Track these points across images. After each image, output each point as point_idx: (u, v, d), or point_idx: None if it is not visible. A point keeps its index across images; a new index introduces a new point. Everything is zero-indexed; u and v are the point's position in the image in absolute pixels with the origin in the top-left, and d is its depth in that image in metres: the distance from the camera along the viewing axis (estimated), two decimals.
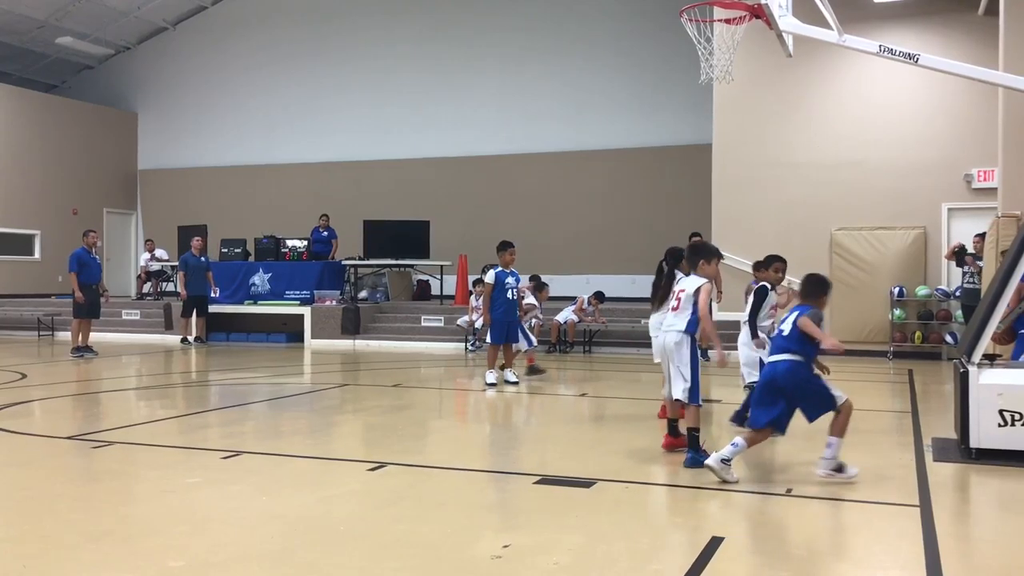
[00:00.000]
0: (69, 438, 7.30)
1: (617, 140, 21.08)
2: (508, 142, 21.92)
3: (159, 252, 21.53)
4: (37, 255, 22.82)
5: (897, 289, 14.89)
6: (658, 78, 20.77)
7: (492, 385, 10.61)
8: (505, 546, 4.40)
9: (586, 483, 5.75)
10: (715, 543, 4.45)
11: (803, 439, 6.73)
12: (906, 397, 10.48)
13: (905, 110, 15.31)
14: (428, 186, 22.08)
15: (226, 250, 18.90)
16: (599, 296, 16.18)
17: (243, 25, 24.30)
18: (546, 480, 5.80)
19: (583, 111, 21.48)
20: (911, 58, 9.04)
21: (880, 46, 9.25)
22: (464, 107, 22.37)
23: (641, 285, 19.32)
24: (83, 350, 14.82)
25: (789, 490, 5.65)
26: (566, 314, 15.75)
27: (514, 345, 11.05)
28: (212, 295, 17.35)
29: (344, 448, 7.50)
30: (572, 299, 16.42)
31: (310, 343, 17.13)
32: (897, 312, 14.92)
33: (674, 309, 6.59)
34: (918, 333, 14.92)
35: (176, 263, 21.36)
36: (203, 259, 17.35)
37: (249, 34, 24.23)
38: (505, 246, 10.76)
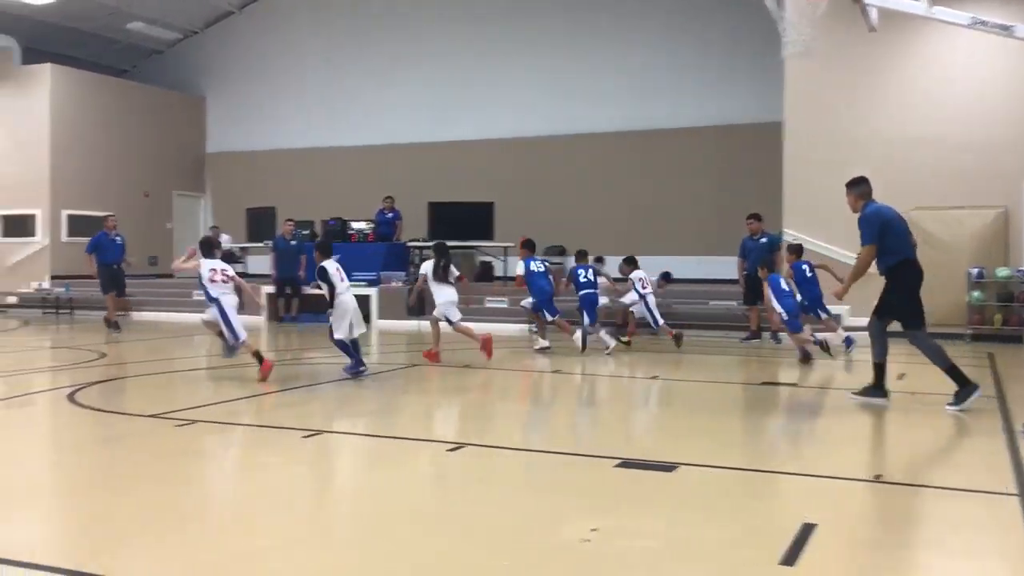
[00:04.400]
0: (152, 416, 7.44)
1: (682, 118, 20.77)
2: (571, 122, 21.76)
3: (224, 236, 21.85)
4: None
5: (976, 270, 14.44)
6: (725, 53, 20.39)
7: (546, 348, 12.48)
8: (593, 530, 4.36)
9: (668, 467, 5.67)
10: (807, 530, 4.35)
11: (895, 427, 6.57)
12: (990, 382, 10.16)
13: (987, 86, 14.79)
14: (492, 167, 22.04)
15: (305, 232, 19.13)
16: (666, 277, 15.99)
17: (307, 7, 24.47)
18: (627, 463, 5.74)
19: (647, 89, 21.20)
20: (1005, 29, 8.69)
21: (972, 17, 8.91)
22: (527, 87, 22.26)
23: (708, 266, 19.12)
24: (111, 325, 16.05)
25: (878, 476, 5.51)
26: (631, 296, 15.59)
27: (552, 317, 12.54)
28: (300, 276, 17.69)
29: (421, 428, 7.52)
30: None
31: (376, 324, 17.25)
32: (976, 294, 14.48)
33: None
34: (997, 316, 14.47)
35: (244, 245, 21.75)
36: (293, 242, 17.73)
37: (313, 16, 24.39)
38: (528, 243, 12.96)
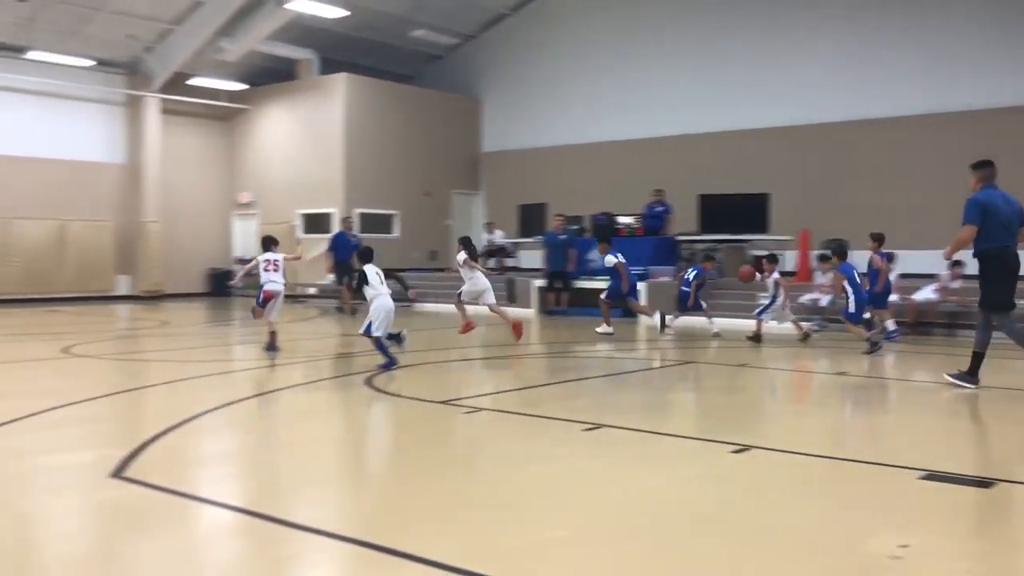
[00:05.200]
0: (442, 403, 7.82)
1: (984, 99, 18.87)
2: (851, 108, 20.47)
3: (497, 232, 22.67)
4: (396, 233, 24.99)
5: None
6: None
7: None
8: (902, 546, 4.03)
9: (984, 483, 5.15)
10: None
11: None
12: None
13: None
14: (766, 158, 21.24)
15: (576, 227, 19.50)
16: (958, 265, 14.71)
17: (578, 7, 24.82)
18: (934, 476, 5.27)
19: (940, 68, 19.47)
20: None
21: None
22: (801, 73, 21.22)
23: None
24: (341, 309, 18.54)
25: None
26: (925, 293, 14.44)
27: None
28: (569, 270, 18.05)
29: (703, 428, 7.36)
30: (930, 277, 15.03)
31: (645, 319, 17.18)
32: None
33: None
34: None
35: (516, 240, 22.46)
36: (563, 236, 18.19)
37: (584, 15, 24.70)
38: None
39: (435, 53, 27.50)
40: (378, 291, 10.01)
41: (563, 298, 18.27)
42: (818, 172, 20.69)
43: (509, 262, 22.60)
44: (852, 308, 11.80)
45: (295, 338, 13.41)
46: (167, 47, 23.15)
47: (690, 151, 22.46)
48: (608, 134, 24.14)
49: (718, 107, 22.31)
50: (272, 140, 25.61)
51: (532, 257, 20.48)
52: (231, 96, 25.52)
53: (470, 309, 13.38)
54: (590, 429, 6.66)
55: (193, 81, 24.27)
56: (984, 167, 8.49)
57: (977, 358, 8.37)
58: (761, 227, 17.93)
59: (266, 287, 11.37)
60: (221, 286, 25.49)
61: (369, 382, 9.02)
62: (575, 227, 19.21)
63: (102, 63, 23.15)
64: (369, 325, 9.90)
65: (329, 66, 25.06)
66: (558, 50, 25.21)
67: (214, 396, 8.59)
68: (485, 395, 8.45)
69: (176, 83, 23.90)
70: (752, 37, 21.96)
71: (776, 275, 13.30)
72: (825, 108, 20.80)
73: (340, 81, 24.06)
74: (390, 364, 9.94)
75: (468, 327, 13.20)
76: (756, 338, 13.00)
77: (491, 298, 13.06)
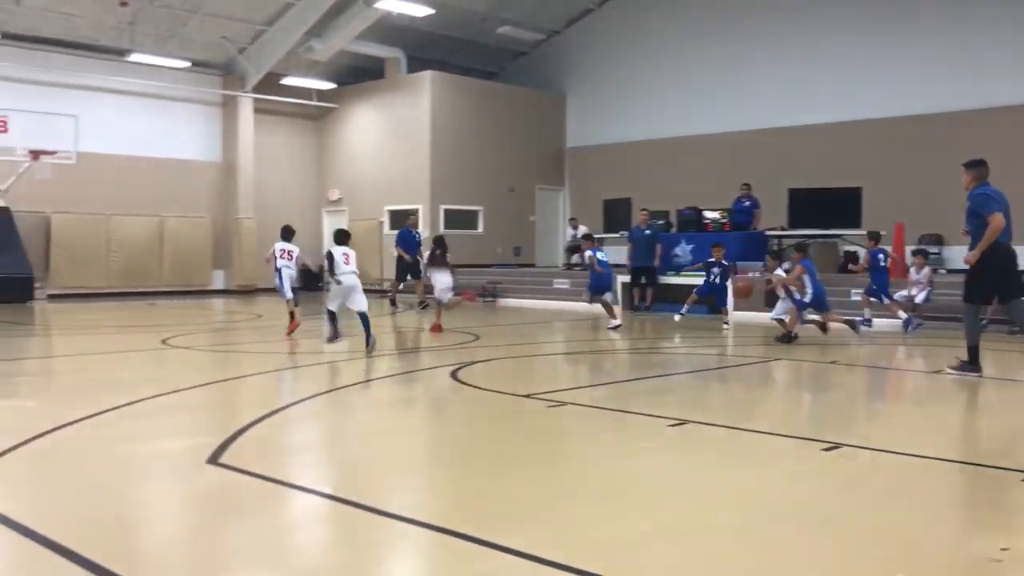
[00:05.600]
0: (527, 396, 7.86)
1: None
2: (948, 99, 19.75)
3: (581, 228, 22.62)
4: (480, 229, 25.16)
5: None
6: None
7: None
8: (1004, 549, 3.89)
9: None
10: None
11: None
12: None
13: None
14: (858, 150, 20.67)
15: (661, 222, 19.33)
16: (920, 254, 14.80)
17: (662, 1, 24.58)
18: None
19: None
20: None
21: None
22: (896, 63, 20.57)
23: None
24: (393, 303, 18.98)
25: None
26: (903, 292, 14.46)
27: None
28: (655, 265, 17.91)
29: (793, 425, 7.22)
30: None
31: (732, 315, 16.92)
32: None
33: None
34: None
35: (600, 236, 22.37)
36: (647, 231, 18.07)
37: (670, 8, 24.43)
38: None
39: (520, 50, 27.56)
40: (340, 271, 11.03)
41: (648, 294, 18.14)
42: (913, 165, 20.03)
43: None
44: (807, 300, 12.46)
45: (380, 332, 13.63)
46: (260, 48, 23.77)
47: (779, 144, 22.01)
48: (694, 128, 23.83)
49: (808, 99, 21.81)
50: (360, 138, 26.06)
51: (617, 252, 20.33)
52: (320, 95, 26.05)
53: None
54: (676, 425, 6.60)
55: (284, 81, 24.85)
56: (979, 166, 8.97)
57: (973, 350, 8.93)
58: (854, 221, 17.44)
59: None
60: (313, 281, 26.08)
61: (454, 375, 9.12)
62: (660, 222, 19.02)
63: (198, 64, 23.90)
64: (328, 301, 11.39)
65: (416, 64, 25.37)
66: (643, 44, 24.99)
67: (304, 387, 8.80)
68: (568, 390, 8.45)
69: (268, 83, 24.51)
70: (844, 28, 21.39)
71: (779, 271, 13.40)
72: (920, 99, 20.14)
73: (426, 79, 24.32)
74: (334, 338, 11.28)
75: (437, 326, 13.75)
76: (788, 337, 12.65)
77: (444, 296, 13.78)
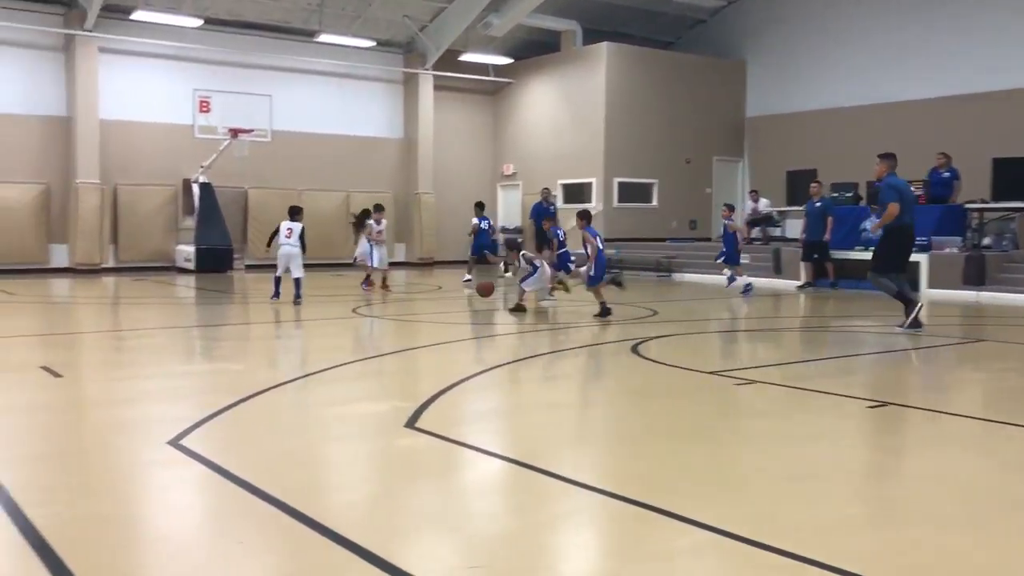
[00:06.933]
0: (711, 373, 7.70)
1: None
2: None
3: (762, 201, 21.90)
4: (655, 202, 24.82)
5: None
6: None
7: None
8: None
9: None
10: None
11: None
12: None
13: None
14: None
15: (836, 194, 18.46)
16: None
17: None
18: None
19: None
20: None
21: None
22: None
23: None
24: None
25: None
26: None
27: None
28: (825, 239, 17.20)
29: (1004, 410, 6.73)
30: None
31: (926, 292, 15.98)
32: None
33: None
34: None
35: (782, 209, 21.63)
36: (818, 203, 17.37)
37: None
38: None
39: (698, 17, 26.85)
40: (281, 242, 13.45)
41: (828, 269, 17.37)
42: None
43: (774, 231, 21.80)
44: (593, 271, 11.90)
45: (558, 305, 13.71)
46: (439, 26, 24.26)
47: (981, 111, 20.46)
48: (885, 95, 22.50)
49: (1014, 60, 20.14)
50: (534, 112, 26.19)
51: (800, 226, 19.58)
52: (497, 70, 26.34)
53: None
54: (876, 407, 6.29)
55: (463, 57, 25.28)
56: (890, 158, 10.76)
57: (909, 304, 10.48)
58: None
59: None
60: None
61: (635, 349, 9.05)
62: (848, 194, 18.15)
63: (382, 44, 24.65)
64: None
65: (591, 36, 25.20)
66: (828, 7, 23.77)
67: (488, 356, 8.99)
68: (752, 367, 8.22)
69: (446, 60, 25.00)
70: None
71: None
72: None
73: (602, 50, 24.11)
74: (274, 296, 13.61)
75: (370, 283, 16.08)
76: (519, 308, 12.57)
77: (370, 263, 16.04)
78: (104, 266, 20.89)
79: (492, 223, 19.63)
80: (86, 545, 3.56)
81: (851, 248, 17.20)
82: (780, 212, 21.67)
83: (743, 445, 5.43)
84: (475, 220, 19.16)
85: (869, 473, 4.74)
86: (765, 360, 9.08)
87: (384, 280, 16.40)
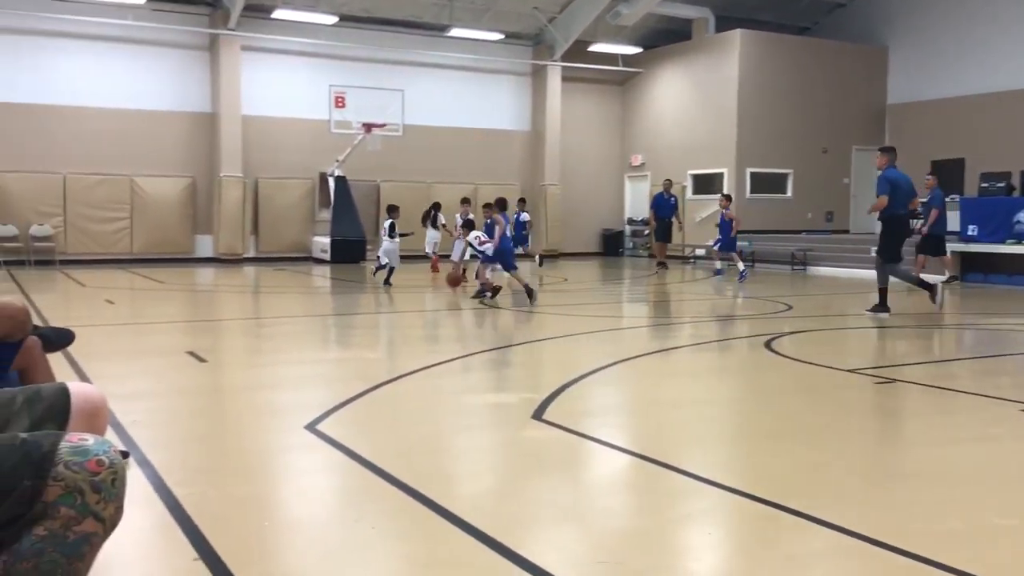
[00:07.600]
0: (850, 371, 7.40)
1: None
2: None
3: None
4: (789, 193, 24.08)
5: None
6: None
7: None
8: None
9: None
10: None
11: None
12: None
13: None
14: None
15: (986, 184, 17.44)
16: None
17: None
18: None
19: None
20: None
21: None
22: None
23: None
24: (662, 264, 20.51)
25: None
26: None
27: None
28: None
29: None
30: None
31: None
32: None
33: None
34: None
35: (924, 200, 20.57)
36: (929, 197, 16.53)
37: None
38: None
39: (837, 2, 25.87)
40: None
41: (945, 262, 16.35)
42: None
43: (915, 224, 20.74)
44: (491, 254, 13.15)
45: (684, 299, 13.49)
46: (568, 17, 24.20)
47: None
48: None
49: None
50: (664, 102, 25.81)
51: (951, 218, 18.54)
52: (625, 60, 26.09)
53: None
54: None
55: (591, 48, 25.14)
56: (890, 152, 11.56)
57: (883, 293, 11.35)
58: None
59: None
60: (613, 246, 26.44)
61: (768, 345, 8.79)
62: (1000, 184, 17.12)
63: (510, 36, 24.79)
64: None
65: (723, 23, 24.62)
66: None
67: (617, 349, 8.90)
68: (893, 366, 7.85)
69: (575, 51, 24.92)
70: None
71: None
72: None
73: (734, 38, 23.52)
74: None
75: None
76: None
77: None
78: (245, 256, 21.82)
79: (530, 218, 21.01)
80: (227, 524, 3.70)
81: (1002, 242, 16.23)
82: (923, 203, 20.59)
83: (883, 446, 5.19)
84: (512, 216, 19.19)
85: (1019, 479, 4.44)
86: (905, 359, 8.67)
87: (464, 272, 15.62)
